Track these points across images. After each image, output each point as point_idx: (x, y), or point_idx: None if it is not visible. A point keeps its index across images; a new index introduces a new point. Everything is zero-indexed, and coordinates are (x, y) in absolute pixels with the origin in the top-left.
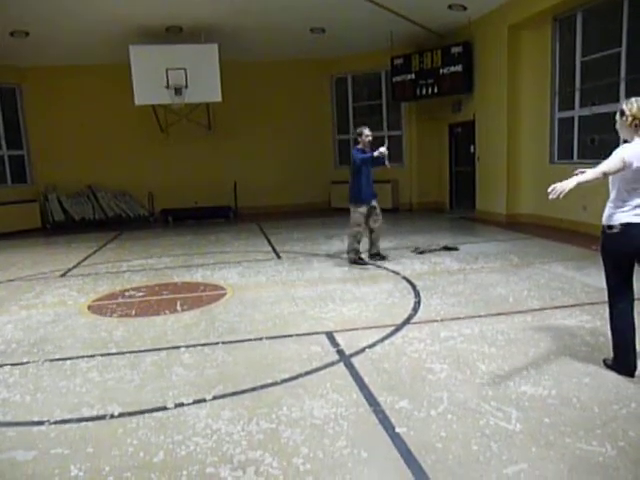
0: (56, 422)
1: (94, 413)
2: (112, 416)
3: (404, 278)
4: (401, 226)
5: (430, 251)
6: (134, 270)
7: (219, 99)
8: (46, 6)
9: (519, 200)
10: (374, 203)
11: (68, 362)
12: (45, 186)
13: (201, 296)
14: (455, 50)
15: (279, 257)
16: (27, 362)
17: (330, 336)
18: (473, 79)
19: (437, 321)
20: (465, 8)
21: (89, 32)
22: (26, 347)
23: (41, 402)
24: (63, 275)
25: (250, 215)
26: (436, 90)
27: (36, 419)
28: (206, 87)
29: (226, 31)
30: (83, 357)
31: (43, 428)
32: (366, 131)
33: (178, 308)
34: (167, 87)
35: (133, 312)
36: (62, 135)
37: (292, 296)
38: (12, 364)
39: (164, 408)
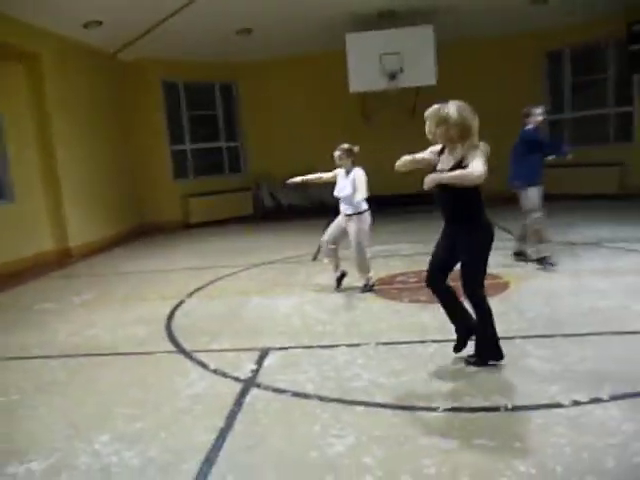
0: (446, 409)
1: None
2: (506, 408)
3: None
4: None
5: None
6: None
7: (433, 82)
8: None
9: None
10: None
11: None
12: (257, 176)
13: None
14: None
15: None
16: (358, 344)
17: None
18: None
19: None
20: None
21: (304, 22)
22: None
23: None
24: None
25: None
26: None
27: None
28: (421, 70)
29: (440, 10)
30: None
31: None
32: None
33: None
34: (382, 73)
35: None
36: (273, 126)
37: None
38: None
39: (559, 405)
